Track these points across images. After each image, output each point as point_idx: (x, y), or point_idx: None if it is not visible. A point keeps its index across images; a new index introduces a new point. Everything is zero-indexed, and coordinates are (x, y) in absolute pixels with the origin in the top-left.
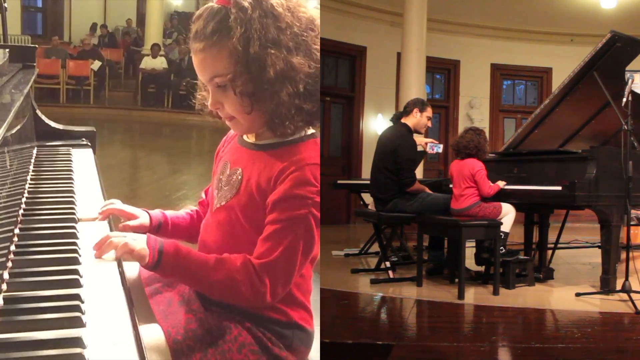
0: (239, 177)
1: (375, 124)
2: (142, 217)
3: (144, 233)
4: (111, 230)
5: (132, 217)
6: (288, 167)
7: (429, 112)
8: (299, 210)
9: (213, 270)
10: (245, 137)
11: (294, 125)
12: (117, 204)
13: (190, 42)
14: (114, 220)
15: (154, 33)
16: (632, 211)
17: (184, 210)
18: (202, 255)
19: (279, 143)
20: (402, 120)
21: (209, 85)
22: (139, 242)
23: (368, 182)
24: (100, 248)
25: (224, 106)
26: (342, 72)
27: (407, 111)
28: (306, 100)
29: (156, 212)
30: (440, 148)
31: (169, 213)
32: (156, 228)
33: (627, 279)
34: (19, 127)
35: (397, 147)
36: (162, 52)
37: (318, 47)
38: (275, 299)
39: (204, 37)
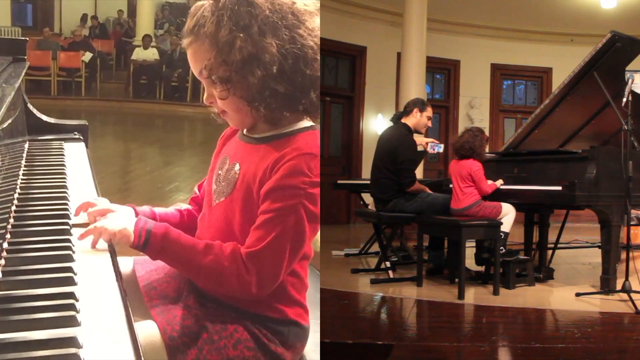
0: (236, 171)
1: (375, 124)
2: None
3: None
4: None
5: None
6: (282, 157)
7: (429, 112)
8: (289, 200)
9: (202, 254)
10: (244, 131)
11: (270, 109)
12: (99, 204)
13: (182, 41)
14: None
15: (145, 24)
16: (632, 211)
17: (174, 207)
18: (193, 239)
19: (276, 135)
20: (402, 120)
21: (201, 80)
22: (119, 222)
23: (368, 182)
24: (84, 239)
25: (216, 100)
26: (342, 72)
27: (407, 111)
28: (280, 82)
29: (143, 208)
30: (441, 148)
31: (158, 209)
32: None
33: (627, 279)
34: (10, 121)
35: (397, 147)
36: (153, 43)
37: (303, 29)
38: (262, 291)
39: (189, 32)
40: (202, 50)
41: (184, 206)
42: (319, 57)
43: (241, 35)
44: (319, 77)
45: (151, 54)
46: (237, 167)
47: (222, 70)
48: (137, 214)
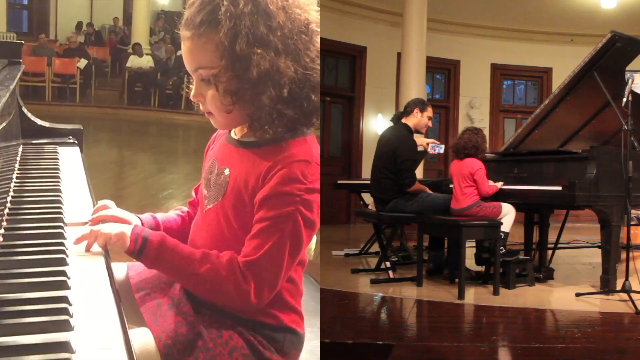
0: (227, 176)
1: (375, 124)
2: (134, 222)
3: None
4: None
5: (125, 222)
6: (276, 164)
7: (429, 112)
8: (286, 208)
9: (198, 263)
10: (232, 134)
11: (273, 130)
12: (109, 210)
13: (180, 28)
14: None
15: (140, 32)
16: (632, 211)
17: (175, 212)
18: (189, 248)
19: (266, 141)
20: (403, 121)
21: (193, 76)
22: (116, 227)
23: (368, 182)
24: (80, 243)
25: (205, 100)
26: (342, 72)
27: (407, 111)
28: (289, 106)
29: (147, 217)
30: (441, 148)
31: (160, 217)
32: None
33: (627, 279)
34: (4, 124)
35: (397, 147)
36: (148, 51)
37: (312, 52)
38: (260, 300)
39: (193, 26)
40: (204, 51)
41: (184, 209)
42: (318, 86)
43: (259, 51)
44: (319, 108)
45: (146, 62)
46: (226, 171)
47: (230, 83)
48: (142, 224)
